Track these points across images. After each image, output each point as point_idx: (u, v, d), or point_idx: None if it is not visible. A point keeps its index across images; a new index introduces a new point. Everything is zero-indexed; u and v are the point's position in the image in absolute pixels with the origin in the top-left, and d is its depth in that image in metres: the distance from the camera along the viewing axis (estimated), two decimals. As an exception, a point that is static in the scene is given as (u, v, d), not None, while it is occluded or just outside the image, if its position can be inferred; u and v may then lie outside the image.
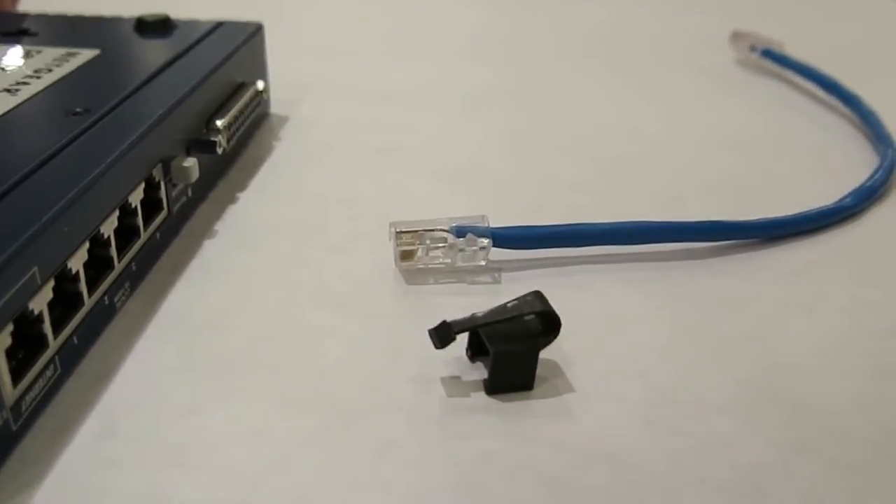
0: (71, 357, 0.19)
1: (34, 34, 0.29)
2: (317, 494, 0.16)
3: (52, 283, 0.18)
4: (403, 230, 0.22)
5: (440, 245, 0.22)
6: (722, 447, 0.17)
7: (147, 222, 0.22)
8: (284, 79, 0.34)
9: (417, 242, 0.22)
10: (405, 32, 0.42)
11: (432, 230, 0.22)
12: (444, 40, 0.41)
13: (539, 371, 0.19)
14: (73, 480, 0.16)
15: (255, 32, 0.31)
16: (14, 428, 0.17)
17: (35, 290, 0.17)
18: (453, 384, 0.19)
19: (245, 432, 0.17)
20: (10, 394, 0.16)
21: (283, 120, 0.32)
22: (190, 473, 0.16)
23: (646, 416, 0.18)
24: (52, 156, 0.20)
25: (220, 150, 0.25)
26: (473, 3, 0.47)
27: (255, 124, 0.31)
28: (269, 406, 0.18)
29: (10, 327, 0.16)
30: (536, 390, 0.19)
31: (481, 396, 0.18)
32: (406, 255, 0.22)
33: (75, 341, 0.19)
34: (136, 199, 0.21)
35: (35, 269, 0.17)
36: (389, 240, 0.22)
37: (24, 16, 0.32)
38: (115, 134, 0.21)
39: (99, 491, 0.16)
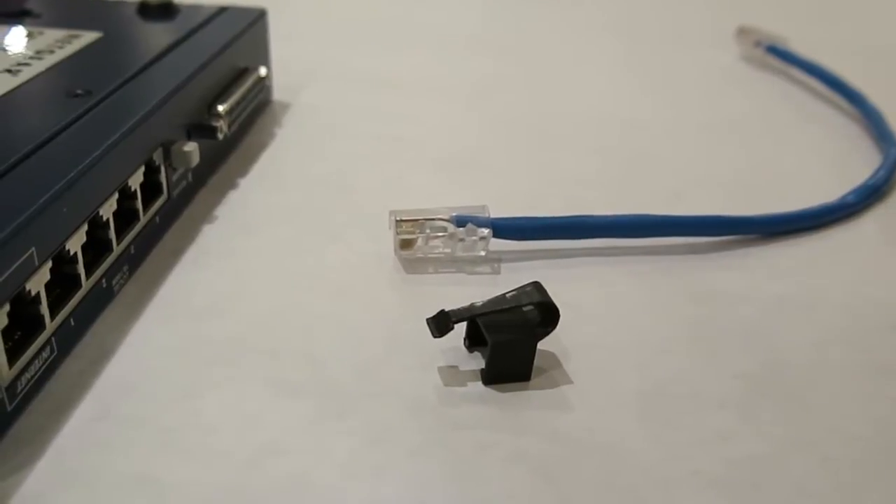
0: (68, 339, 0.19)
1: (37, 15, 0.29)
2: (310, 481, 0.16)
3: (49, 265, 0.18)
4: (404, 219, 0.22)
5: (440, 234, 0.22)
6: (718, 441, 0.17)
7: (147, 206, 0.22)
8: (288, 65, 0.34)
9: (417, 231, 0.22)
10: (410, 20, 0.42)
11: (433, 219, 0.22)
12: (450, 29, 0.41)
13: (537, 362, 0.18)
14: (66, 462, 0.16)
15: (258, 18, 0.30)
16: (9, 408, 0.17)
17: (32, 270, 0.17)
18: (450, 373, 0.19)
19: (239, 418, 0.17)
20: (6, 374, 0.16)
21: (286, 107, 0.32)
22: (183, 457, 0.16)
23: (642, 409, 0.18)
24: (53, 137, 0.20)
25: (220, 136, 0.25)
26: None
27: (257, 110, 0.31)
28: (264, 392, 0.18)
29: (7, 307, 0.16)
30: (533, 381, 0.18)
31: (478, 386, 0.18)
32: (406, 244, 0.22)
33: (72, 323, 0.19)
34: (135, 182, 0.21)
35: (33, 249, 0.17)
36: (389, 228, 0.22)
37: (28, -3, 0.31)
38: (116, 116, 0.21)
39: (92, 473, 0.16)
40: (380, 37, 0.40)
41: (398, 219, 0.22)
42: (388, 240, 0.22)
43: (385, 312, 0.20)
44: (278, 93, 0.32)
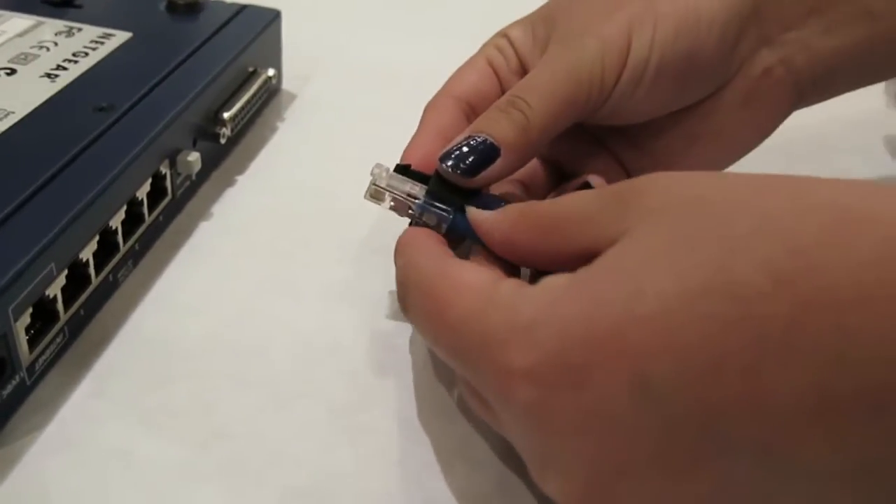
0: (77, 325, 0.24)
1: (78, 6, 0.33)
2: (246, 461, 0.21)
3: (65, 273, 0.22)
4: (378, 185, 0.24)
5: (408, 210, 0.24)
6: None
7: (152, 209, 0.27)
8: (299, 51, 0.36)
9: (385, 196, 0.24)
10: (425, 13, 0.45)
11: (401, 196, 0.24)
12: (463, 24, 0.44)
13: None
14: (67, 430, 0.21)
15: (273, 20, 0.34)
16: (28, 383, 0.22)
17: (51, 280, 0.22)
18: (375, 381, 0.24)
19: (200, 405, 0.22)
20: (27, 357, 0.22)
21: (292, 98, 0.36)
22: (154, 434, 0.21)
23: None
24: (76, 156, 0.24)
25: (223, 141, 0.30)
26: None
27: (264, 103, 0.34)
28: (222, 384, 0.23)
29: (30, 310, 0.21)
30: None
31: (397, 398, 0.23)
32: (376, 196, 0.24)
33: (82, 313, 0.24)
34: (143, 192, 0.26)
35: (52, 265, 0.22)
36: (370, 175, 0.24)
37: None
38: (133, 135, 0.26)
39: (84, 441, 0.21)
40: (392, 25, 0.43)
41: (375, 183, 0.24)
42: (357, 244, 0.27)
43: (334, 321, 0.25)
44: (287, 82, 0.36)
